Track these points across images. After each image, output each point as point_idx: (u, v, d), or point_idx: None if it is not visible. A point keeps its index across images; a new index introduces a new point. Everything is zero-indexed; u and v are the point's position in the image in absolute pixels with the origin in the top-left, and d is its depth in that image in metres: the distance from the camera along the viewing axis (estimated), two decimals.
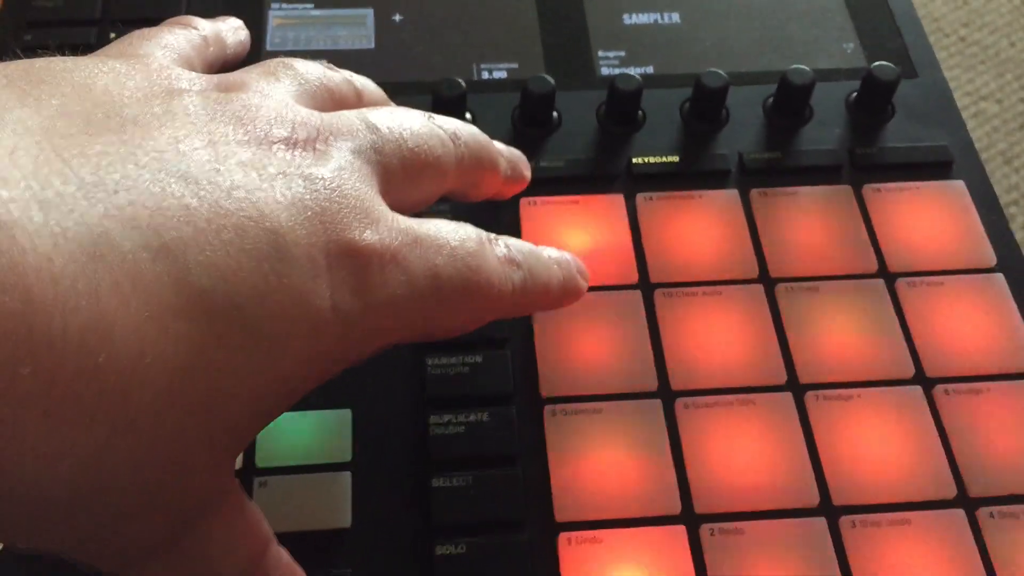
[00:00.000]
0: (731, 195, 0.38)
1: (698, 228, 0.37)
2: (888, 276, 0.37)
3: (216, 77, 0.26)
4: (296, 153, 0.23)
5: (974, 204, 0.38)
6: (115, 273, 0.18)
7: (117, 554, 0.22)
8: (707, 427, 0.33)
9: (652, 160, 0.39)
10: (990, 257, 0.37)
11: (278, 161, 0.23)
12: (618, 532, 0.31)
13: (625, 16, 0.44)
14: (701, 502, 0.32)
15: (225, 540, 0.23)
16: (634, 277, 0.36)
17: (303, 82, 0.27)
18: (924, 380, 0.34)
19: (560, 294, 0.31)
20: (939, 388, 0.34)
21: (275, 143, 0.23)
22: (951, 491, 0.32)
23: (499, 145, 0.33)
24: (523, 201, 0.37)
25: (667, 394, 0.34)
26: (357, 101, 0.29)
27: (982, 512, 0.32)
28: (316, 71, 0.28)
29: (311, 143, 0.24)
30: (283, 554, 0.25)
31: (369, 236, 0.23)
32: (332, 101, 0.28)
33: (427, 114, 0.29)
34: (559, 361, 0.34)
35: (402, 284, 0.24)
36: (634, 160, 0.39)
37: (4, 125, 0.19)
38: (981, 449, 0.33)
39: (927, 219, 0.38)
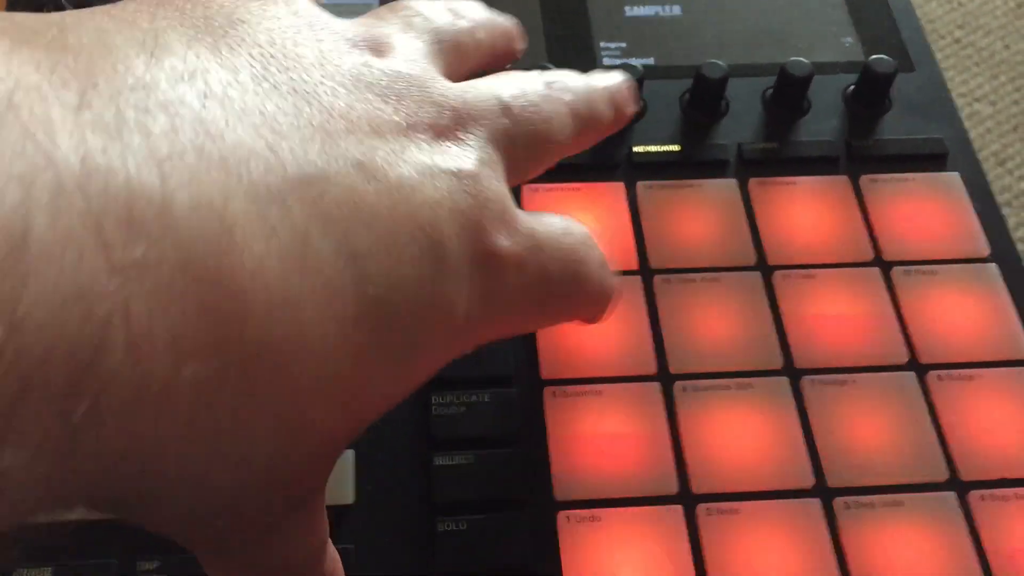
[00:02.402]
0: (730, 184, 0.39)
1: (697, 216, 0.38)
2: (883, 264, 0.37)
3: (363, 30, 0.24)
4: (443, 144, 0.22)
5: (968, 195, 0.39)
6: (313, 281, 0.18)
7: (216, 540, 0.21)
8: (705, 410, 0.34)
9: (653, 149, 0.40)
10: (984, 247, 0.38)
11: (432, 153, 0.22)
12: (616, 511, 0.31)
13: (627, 8, 0.45)
14: (698, 482, 0.32)
15: (308, 529, 0.23)
16: (634, 263, 0.37)
17: (438, 39, 0.26)
18: (918, 366, 0.35)
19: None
20: (932, 374, 0.35)
21: (423, 131, 0.22)
22: (943, 474, 0.33)
23: (606, 86, 0.31)
24: (525, 188, 0.38)
25: (666, 377, 0.34)
26: (476, 51, 0.28)
27: (973, 495, 0.32)
28: (446, 22, 0.26)
29: (453, 131, 0.23)
30: (330, 542, 0.25)
31: (504, 242, 0.23)
32: (457, 60, 0.26)
33: (548, 82, 0.27)
34: (560, 344, 0.35)
35: (519, 290, 0.24)
36: (635, 149, 0.40)
37: (214, 97, 0.18)
38: (972, 434, 0.33)
39: (922, 209, 0.39)
